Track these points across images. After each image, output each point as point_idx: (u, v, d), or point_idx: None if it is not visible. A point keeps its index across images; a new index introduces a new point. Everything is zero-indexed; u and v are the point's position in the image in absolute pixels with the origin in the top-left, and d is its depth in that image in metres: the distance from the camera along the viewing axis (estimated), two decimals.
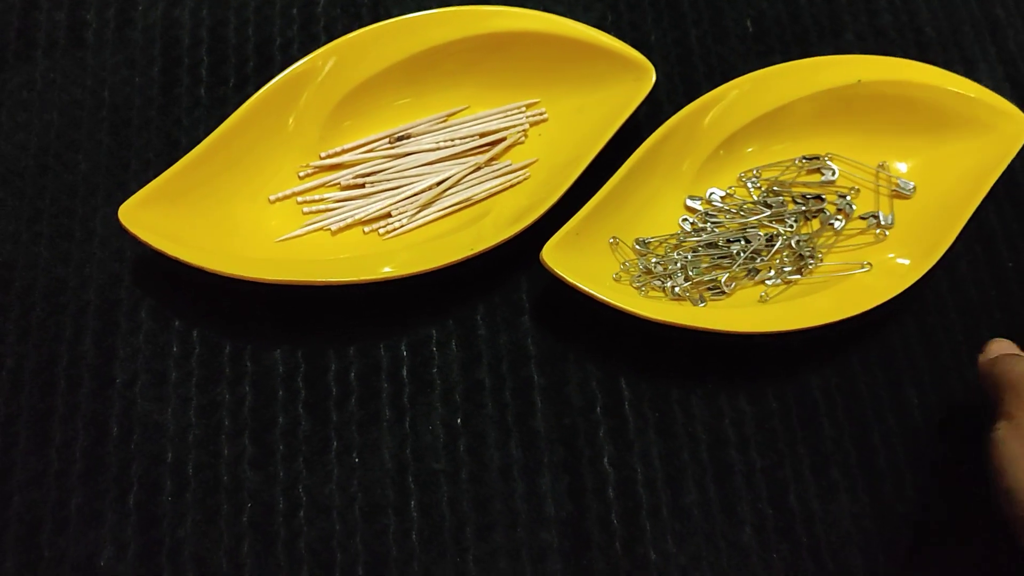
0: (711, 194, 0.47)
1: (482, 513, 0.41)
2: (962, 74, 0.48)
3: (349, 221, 0.45)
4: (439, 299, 0.45)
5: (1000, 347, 0.40)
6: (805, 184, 0.47)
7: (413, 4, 0.51)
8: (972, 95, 0.47)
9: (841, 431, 0.43)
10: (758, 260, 0.45)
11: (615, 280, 0.44)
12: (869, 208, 0.47)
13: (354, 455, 0.41)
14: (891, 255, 0.44)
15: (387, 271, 0.41)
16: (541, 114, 0.48)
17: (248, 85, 0.49)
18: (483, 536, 0.40)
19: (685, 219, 0.46)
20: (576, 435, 0.42)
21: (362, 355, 0.43)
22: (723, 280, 0.44)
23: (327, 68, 0.46)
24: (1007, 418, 0.36)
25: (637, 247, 0.45)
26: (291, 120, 0.45)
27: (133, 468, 0.41)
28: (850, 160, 0.48)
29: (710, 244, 0.45)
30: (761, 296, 0.44)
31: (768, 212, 0.46)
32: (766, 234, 0.46)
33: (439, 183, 0.46)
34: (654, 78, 0.46)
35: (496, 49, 0.47)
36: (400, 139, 0.47)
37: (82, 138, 0.48)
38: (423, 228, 0.45)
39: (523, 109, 0.48)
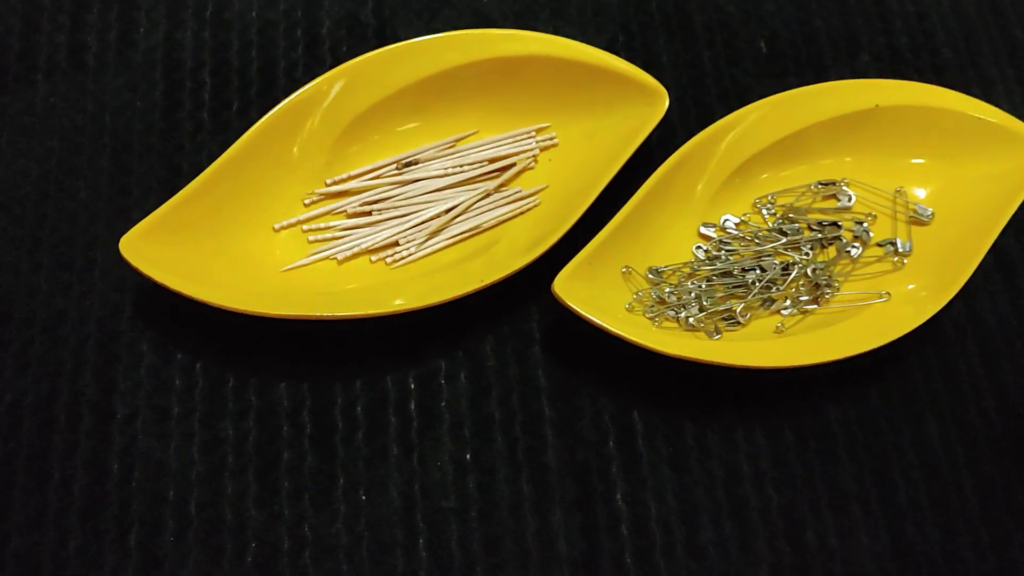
0: (725, 221, 0.46)
1: (492, 552, 0.40)
2: (980, 96, 0.47)
3: (356, 250, 0.44)
4: (447, 330, 0.44)
5: None
6: (821, 210, 0.46)
7: (421, 26, 0.51)
8: (992, 120, 0.46)
9: (860, 466, 0.42)
10: (774, 289, 0.44)
11: (628, 310, 0.43)
12: (886, 235, 0.46)
13: (361, 493, 0.40)
14: (911, 285, 0.44)
15: (398, 304, 0.40)
16: (551, 139, 0.47)
17: (252, 109, 0.48)
18: None
19: (699, 247, 0.45)
20: (588, 471, 0.41)
21: (369, 388, 0.42)
22: (738, 310, 0.43)
23: (333, 93, 0.45)
24: None
25: (650, 276, 0.44)
26: (296, 147, 0.45)
27: (134, 507, 0.40)
28: (867, 185, 0.47)
29: (725, 273, 0.44)
30: (777, 327, 0.43)
31: (784, 240, 0.45)
32: (782, 262, 0.45)
33: (448, 210, 0.45)
34: (667, 103, 0.45)
35: (506, 73, 0.46)
36: (407, 165, 0.46)
37: (83, 165, 0.47)
38: (432, 257, 0.44)
39: (533, 134, 0.47)
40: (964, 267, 0.43)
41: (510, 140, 0.47)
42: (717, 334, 0.43)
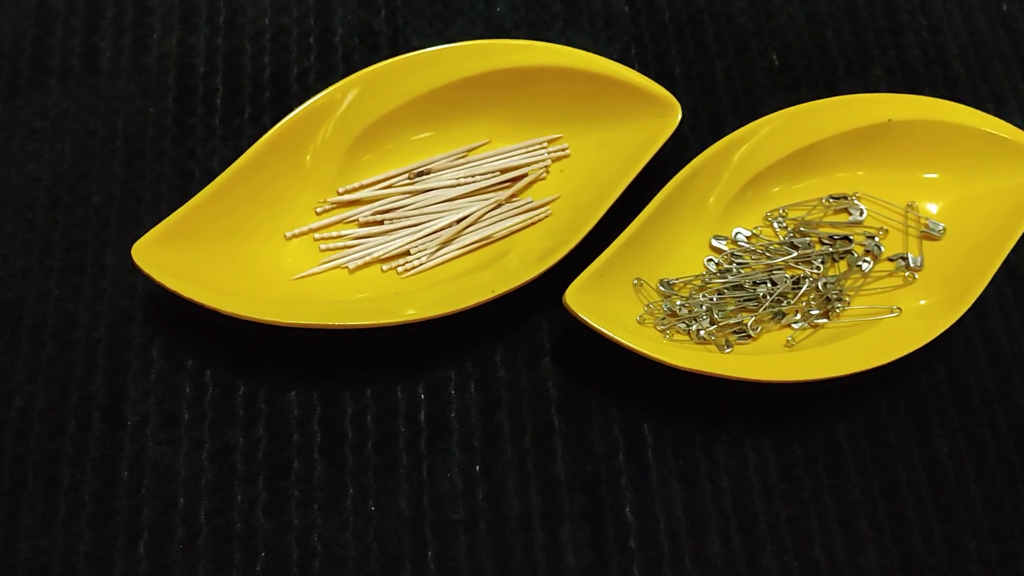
0: (737, 234, 0.46)
1: (501, 564, 0.39)
2: (992, 111, 0.47)
3: (367, 259, 0.44)
4: (457, 340, 0.44)
5: None
6: (832, 224, 0.46)
7: (433, 35, 0.51)
8: (1004, 135, 0.46)
9: (869, 480, 0.42)
10: (784, 303, 0.44)
11: (639, 323, 0.43)
12: (898, 250, 0.46)
13: (370, 503, 0.40)
14: (923, 301, 0.43)
15: (409, 314, 0.40)
16: (563, 150, 0.47)
17: (264, 116, 0.48)
18: None
19: (710, 259, 0.45)
20: (598, 483, 0.41)
21: (379, 398, 0.42)
22: (749, 324, 0.43)
23: (346, 102, 0.45)
24: None
25: (662, 288, 0.44)
26: (309, 155, 0.45)
27: (144, 514, 0.40)
28: (878, 200, 0.47)
29: (736, 286, 0.44)
30: (788, 340, 0.43)
31: (795, 253, 0.45)
32: (792, 276, 0.45)
33: (459, 220, 0.45)
34: (680, 116, 0.45)
35: (518, 84, 0.46)
36: (420, 175, 0.46)
37: (95, 169, 0.47)
38: (443, 267, 0.44)
39: (545, 145, 0.47)
40: (976, 282, 0.43)
41: (522, 151, 0.47)
42: (728, 347, 0.43)
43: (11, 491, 0.40)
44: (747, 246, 0.46)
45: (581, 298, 0.40)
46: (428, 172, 0.46)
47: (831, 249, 0.46)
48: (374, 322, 0.40)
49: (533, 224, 0.45)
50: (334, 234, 0.45)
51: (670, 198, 0.43)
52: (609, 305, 0.42)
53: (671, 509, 0.41)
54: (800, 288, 0.44)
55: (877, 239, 0.46)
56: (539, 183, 0.47)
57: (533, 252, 0.43)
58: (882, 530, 0.41)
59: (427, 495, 0.41)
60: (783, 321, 0.44)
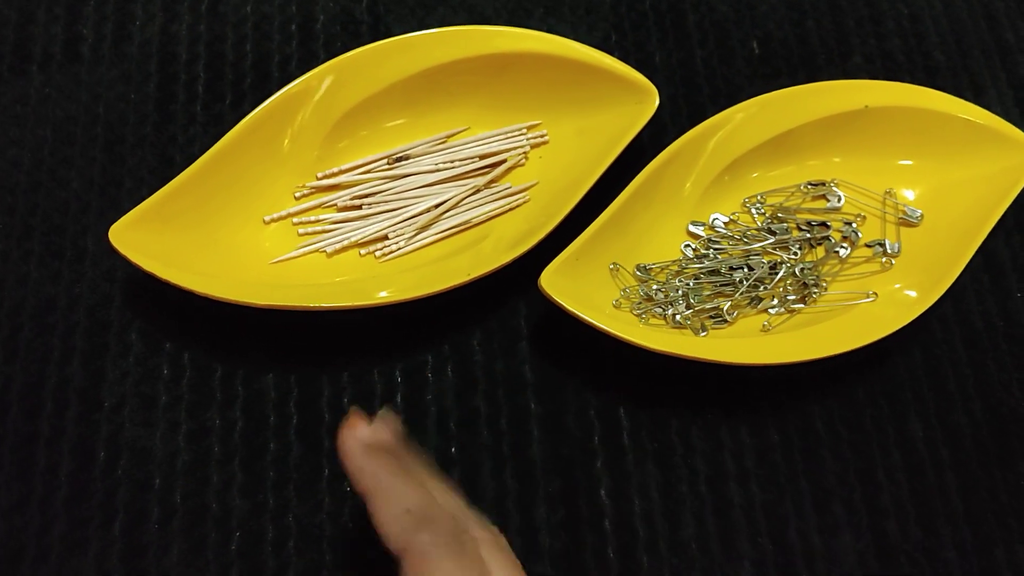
0: (714, 220, 0.46)
1: None
2: (971, 99, 0.47)
3: (345, 243, 0.44)
4: (435, 323, 0.44)
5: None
6: (810, 210, 0.47)
7: (415, 22, 0.51)
8: (981, 122, 0.46)
9: (844, 465, 0.42)
10: (761, 288, 0.44)
11: (615, 307, 0.43)
12: (875, 236, 0.46)
13: (345, 484, 0.40)
14: (897, 285, 0.44)
15: (383, 296, 0.40)
16: (542, 136, 0.47)
17: (245, 102, 0.48)
18: None
19: (687, 245, 0.45)
20: (573, 466, 0.41)
21: (356, 380, 0.42)
22: (725, 308, 0.43)
23: (325, 87, 0.45)
24: None
25: (638, 273, 0.44)
26: (287, 140, 0.45)
27: (119, 495, 0.40)
28: (856, 186, 0.47)
29: (712, 271, 0.44)
30: (764, 325, 0.43)
31: (772, 239, 0.45)
32: (770, 261, 0.45)
33: (437, 205, 0.45)
34: (657, 102, 0.45)
35: (498, 70, 0.46)
36: (398, 160, 0.46)
37: (75, 155, 0.47)
38: (420, 251, 0.44)
39: (524, 131, 0.47)
40: (951, 268, 0.43)
41: (501, 137, 0.47)
42: (703, 331, 0.43)
43: None
44: (724, 231, 0.46)
45: (557, 281, 0.41)
46: (407, 157, 0.46)
47: (809, 235, 0.46)
48: (350, 304, 0.40)
49: (511, 210, 0.45)
50: (312, 218, 0.45)
51: (646, 183, 0.43)
52: (585, 289, 0.42)
53: (646, 492, 0.41)
54: (777, 273, 0.44)
55: (855, 225, 0.46)
56: (518, 169, 0.47)
57: (510, 237, 0.43)
58: (857, 515, 0.41)
59: None
60: (760, 306, 0.44)
